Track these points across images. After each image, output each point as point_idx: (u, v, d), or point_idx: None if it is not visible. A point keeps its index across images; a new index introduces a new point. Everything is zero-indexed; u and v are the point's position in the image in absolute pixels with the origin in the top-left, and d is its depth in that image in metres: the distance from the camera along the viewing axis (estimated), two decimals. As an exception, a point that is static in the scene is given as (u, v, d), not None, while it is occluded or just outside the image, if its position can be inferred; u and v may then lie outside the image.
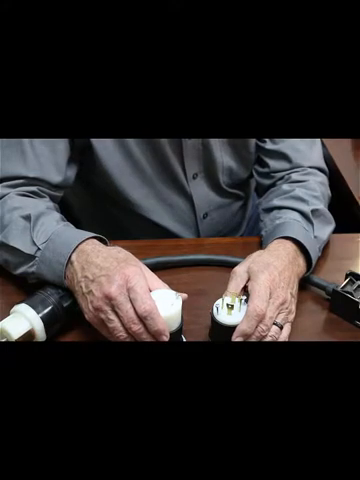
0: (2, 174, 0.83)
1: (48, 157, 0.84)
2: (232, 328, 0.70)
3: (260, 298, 0.70)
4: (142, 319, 0.66)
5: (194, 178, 0.98)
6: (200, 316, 0.75)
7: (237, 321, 0.70)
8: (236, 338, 0.69)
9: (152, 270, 0.86)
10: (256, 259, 0.77)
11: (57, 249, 0.74)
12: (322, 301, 0.84)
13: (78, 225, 0.82)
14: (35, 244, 0.76)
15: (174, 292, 0.69)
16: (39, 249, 0.75)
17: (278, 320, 0.72)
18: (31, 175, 0.83)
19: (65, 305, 0.74)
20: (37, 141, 0.83)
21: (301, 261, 0.81)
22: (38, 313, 0.71)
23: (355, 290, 0.80)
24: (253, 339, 0.70)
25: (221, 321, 0.70)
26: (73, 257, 0.73)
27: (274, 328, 0.72)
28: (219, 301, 0.71)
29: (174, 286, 0.71)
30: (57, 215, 0.82)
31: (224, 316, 0.70)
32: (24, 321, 0.71)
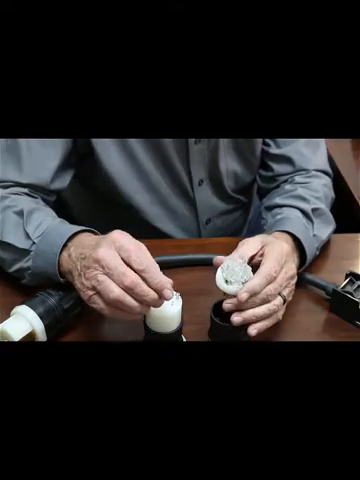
0: None
1: (43, 163, 0.84)
2: (231, 328, 0.70)
3: (276, 261, 0.71)
4: (140, 275, 0.64)
5: (199, 185, 0.98)
6: (200, 316, 0.75)
7: (234, 290, 0.69)
8: (243, 293, 0.68)
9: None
10: (266, 236, 0.78)
11: (53, 240, 0.74)
12: (322, 301, 0.84)
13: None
14: (30, 238, 0.76)
15: (174, 292, 0.69)
16: (34, 243, 0.75)
17: (284, 293, 0.72)
18: (24, 181, 0.84)
19: (65, 306, 0.74)
20: (35, 144, 0.83)
21: (295, 257, 0.81)
22: (38, 314, 0.71)
23: (355, 290, 0.80)
24: (258, 298, 0.69)
25: (220, 322, 0.71)
26: (70, 246, 0.72)
27: (279, 299, 0.72)
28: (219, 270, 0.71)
29: (174, 286, 0.71)
30: (50, 211, 0.82)
31: (222, 283, 0.70)
32: (25, 322, 0.71)
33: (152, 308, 0.67)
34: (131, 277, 0.64)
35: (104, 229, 0.72)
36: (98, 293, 0.66)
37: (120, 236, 0.66)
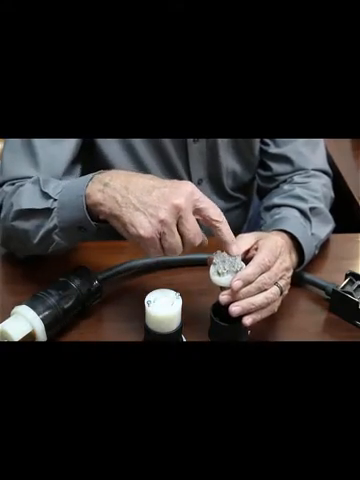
0: (11, 176, 0.82)
1: (58, 157, 0.84)
2: (231, 328, 0.70)
3: (270, 252, 0.71)
4: (216, 225, 0.67)
5: (199, 184, 0.98)
6: (200, 316, 0.75)
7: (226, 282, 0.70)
8: (236, 281, 0.68)
9: (152, 270, 0.87)
10: (261, 232, 0.79)
11: (76, 185, 0.71)
12: (322, 301, 0.84)
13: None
14: (50, 197, 0.73)
15: (174, 292, 0.69)
16: (55, 200, 0.73)
17: (280, 283, 0.72)
18: (41, 177, 0.83)
19: (65, 306, 0.74)
20: (47, 142, 0.82)
21: (293, 256, 0.81)
22: (38, 314, 0.71)
23: (355, 290, 0.80)
24: (253, 287, 0.69)
25: (219, 322, 0.71)
26: (102, 178, 0.69)
27: (276, 288, 0.71)
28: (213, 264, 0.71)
29: (174, 286, 0.71)
30: None
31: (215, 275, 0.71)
32: (25, 322, 0.71)
33: (152, 309, 0.67)
34: (201, 239, 0.68)
35: (104, 225, 0.72)
36: (161, 240, 0.66)
37: (196, 189, 0.67)
